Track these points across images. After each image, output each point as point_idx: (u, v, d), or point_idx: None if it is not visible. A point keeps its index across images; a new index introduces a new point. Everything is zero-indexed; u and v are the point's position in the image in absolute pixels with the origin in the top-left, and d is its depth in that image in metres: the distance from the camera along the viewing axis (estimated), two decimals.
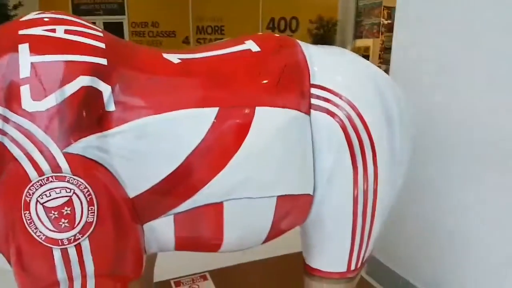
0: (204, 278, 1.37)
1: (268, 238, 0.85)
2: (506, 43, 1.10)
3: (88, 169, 0.65)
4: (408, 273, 1.45)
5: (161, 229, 0.75)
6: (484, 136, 1.17)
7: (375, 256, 1.51)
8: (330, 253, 0.90)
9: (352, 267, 0.91)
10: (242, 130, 0.73)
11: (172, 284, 1.34)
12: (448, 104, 1.27)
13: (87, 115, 0.66)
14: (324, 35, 5.76)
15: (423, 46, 1.36)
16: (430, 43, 1.33)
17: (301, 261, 0.99)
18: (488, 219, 1.18)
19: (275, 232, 0.84)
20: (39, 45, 0.67)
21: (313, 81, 0.82)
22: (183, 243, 0.79)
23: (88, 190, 0.65)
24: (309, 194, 0.83)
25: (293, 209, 0.83)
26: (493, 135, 1.14)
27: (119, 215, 0.69)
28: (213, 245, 0.81)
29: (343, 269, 0.91)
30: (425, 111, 1.32)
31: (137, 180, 0.70)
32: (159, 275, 1.20)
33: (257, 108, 0.75)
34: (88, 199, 0.65)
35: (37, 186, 0.63)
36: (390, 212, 0.94)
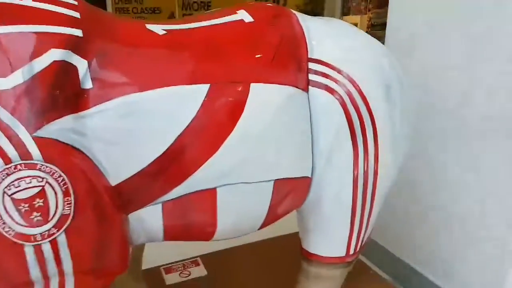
0: (196, 263, 1.32)
1: (264, 224, 0.80)
2: (505, 18, 1.04)
3: (63, 154, 0.58)
4: (407, 255, 1.44)
5: (148, 219, 0.69)
6: (484, 114, 1.13)
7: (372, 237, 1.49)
8: (329, 237, 0.87)
9: (351, 251, 0.88)
10: (236, 109, 0.67)
11: (162, 271, 1.29)
12: (447, 81, 1.22)
13: (60, 93, 0.58)
14: (312, 11, 5.63)
15: (418, 23, 1.29)
16: (426, 19, 1.27)
17: (297, 243, 0.95)
18: (486, 197, 1.16)
19: (271, 217, 0.79)
20: (3, 14, 0.58)
21: (311, 54, 0.75)
22: (172, 233, 0.73)
23: (63, 179, 0.58)
24: (307, 177, 0.78)
25: (291, 193, 0.78)
26: (494, 114, 1.10)
27: (100, 206, 0.62)
28: (205, 233, 0.75)
29: (342, 253, 0.87)
30: (422, 90, 1.27)
31: (119, 166, 0.63)
32: (148, 261, 1.15)
33: (252, 84, 0.69)
34: (63, 189, 0.58)
35: (4, 176, 0.55)
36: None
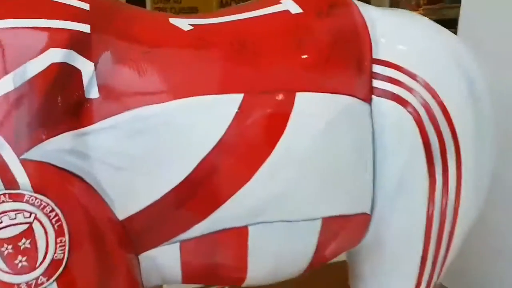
0: None
1: (309, 268, 0.65)
2: None
3: (57, 183, 0.47)
4: None
5: (162, 259, 0.57)
6: None
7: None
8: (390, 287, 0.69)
9: None
10: (277, 125, 0.54)
11: None
12: None
13: (58, 104, 0.47)
14: None
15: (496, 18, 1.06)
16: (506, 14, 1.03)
17: (343, 274, 0.79)
18: None
19: (318, 260, 0.64)
20: None
21: (376, 54, 0.60)
22: (192, 276, 0.61)
23: (56, 214, 0.46)
24: (365, 213, 0.62)
25: (343, 232, 0.63)
26: None
27: (103, 247, 0.50)
28: (233, 278, 0.62)
29: None
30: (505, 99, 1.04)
31: (129, 196, 0.51)
32: None
33: (297, 94, 0.55)
34: (56, 227, 0.46)
35: None
36: None
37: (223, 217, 0.54)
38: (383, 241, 0.65)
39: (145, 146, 0.51)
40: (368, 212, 0.62)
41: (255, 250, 0.57)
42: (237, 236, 0.56)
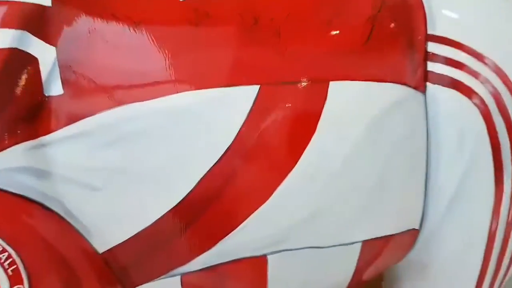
0: None
1: None
2: None
3: (9, 215, 0.37)
4: None
5: None
6: None
7: None
8: None
9: None
10: (304, 126, 0.43)
11: None
12: None
13: (5, 107, 0.36)
14: None
15: None
16: None
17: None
18: None
19: (354, 284, 0.55)
20: None
21: (432, 29, 0.48)
22: None
23: (10, 256, 0.36)
24: (413, 229, 0.52)
25: (386, 252, 0.52)
26: None
27: None
28: None
29: None
30: None
31: (111, 223, 0.40)
32: None
33: (331, 84, 0.43)
34: (11, 273, 0.36)
35: None
36: None
37: (234, 245, 0.43)
38: (432, 258, 0.55)
39: (125, 160, 0.40)
40: (417, 227, 0.52)
41: (277, 281, 0.47)
42: (253, 267, 0.45)
